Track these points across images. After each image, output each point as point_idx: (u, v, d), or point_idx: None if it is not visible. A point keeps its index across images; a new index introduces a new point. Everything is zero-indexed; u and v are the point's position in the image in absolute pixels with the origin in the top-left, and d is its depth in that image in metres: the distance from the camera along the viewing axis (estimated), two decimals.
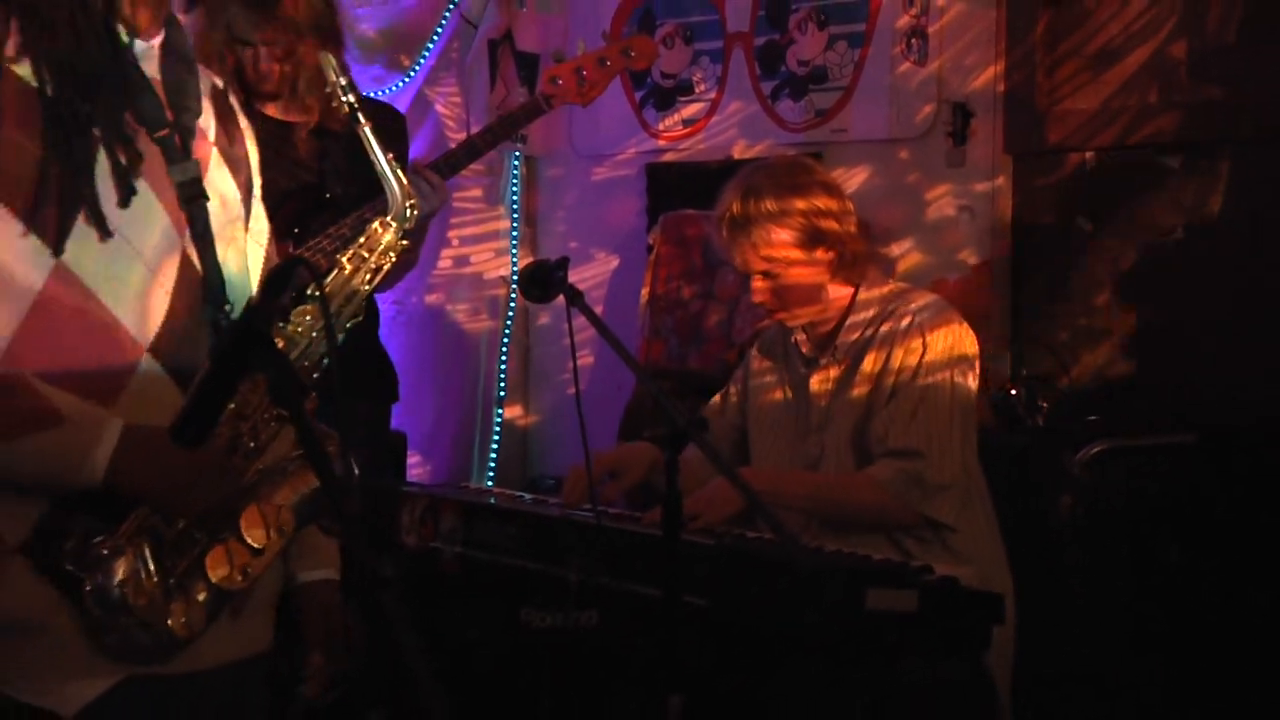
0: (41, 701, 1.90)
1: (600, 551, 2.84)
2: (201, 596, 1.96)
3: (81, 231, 1.89)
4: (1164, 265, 4.22)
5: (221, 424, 1.94)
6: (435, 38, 5.15)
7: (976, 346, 3.18)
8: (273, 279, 1.74)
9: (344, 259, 2.17)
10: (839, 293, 3.22)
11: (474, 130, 4.49)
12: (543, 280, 2.77)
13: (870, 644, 2.51)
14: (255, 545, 2.00)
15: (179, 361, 1.97)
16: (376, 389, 3.94)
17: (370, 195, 3.52)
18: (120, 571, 1.87)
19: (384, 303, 4.60)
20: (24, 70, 1.88)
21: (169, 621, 1.92)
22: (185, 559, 1.95)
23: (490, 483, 5.22)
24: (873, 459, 3.09)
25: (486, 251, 5.42)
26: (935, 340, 3.10)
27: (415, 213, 2.24)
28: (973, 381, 3.14)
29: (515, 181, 5.37)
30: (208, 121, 2.11)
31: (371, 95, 4.42)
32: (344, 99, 2.27)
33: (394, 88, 5.02)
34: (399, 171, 2.25)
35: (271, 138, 3.61)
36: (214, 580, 1.96)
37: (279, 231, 3.61)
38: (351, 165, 3.54)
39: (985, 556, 3.11)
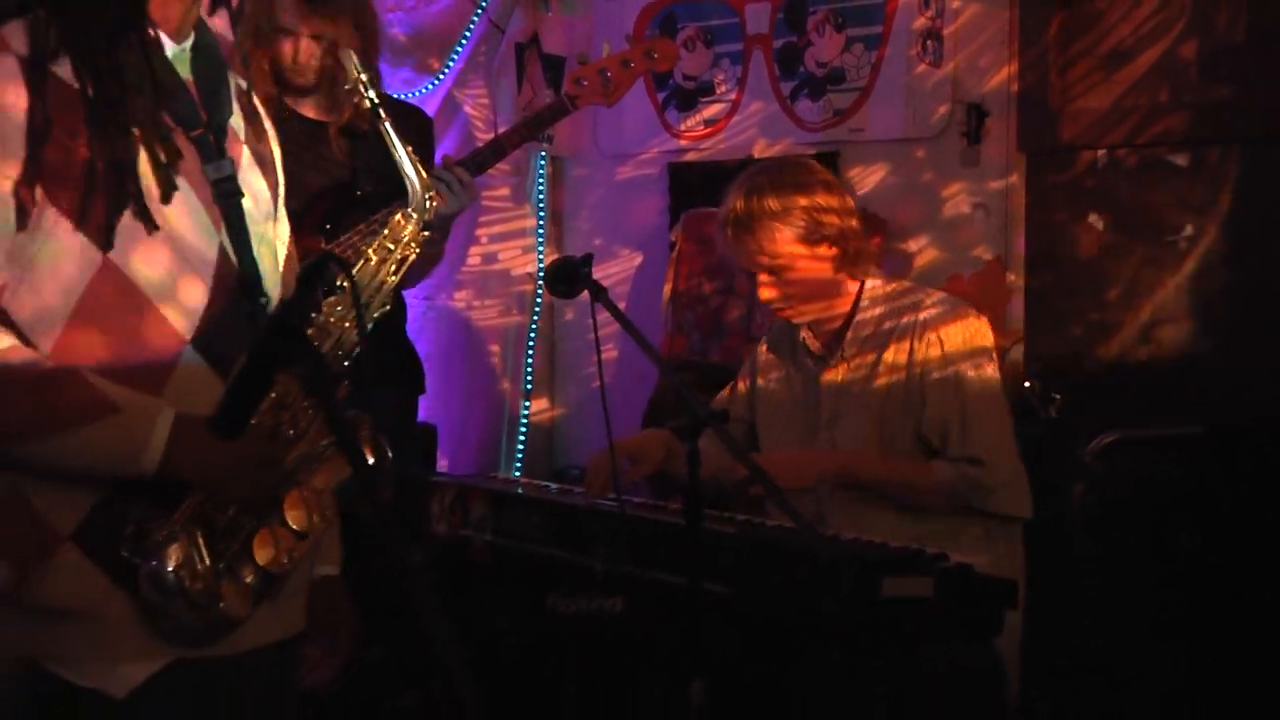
0: (93, 683, 1.91)
1: (624, 540, 2.84)
2: (250, 579, 1.97)
3: (127, 228, 1.90)
4: (1173, 261, 4.21)
5: (263, 413, 1.95)
6: (464, 41, 5.14)
7: (993, 337, 3.18)
8: (306, 274, 1.74)
9: (369, 250, 2.18)
10: (844, 289, 3.21)
11: (501, 131, 4.48)
12: (568, 276, 2.77)
13: (886, 630, 2.50)
14: (299, 529, 2.02)
15: (219, 353, 1.98)
16: (403, 379, 3.94)
17: (401, 193, 3.53)
18: (175, 557, 1.88)
19: (414, 298, 4.61)
20: (65, 73, 1.89)
21: (221, 604, 1.93)
22: (234, 543, 1.96)
23: (517, 473, 5.22)
24: (900, 449, 3.10)
25: (514, 249, 5.42)
26: (955, 333, 3.10)
27: (434, 205, 2.24)
28: (994, 371, 3.14)
29: (541, 181, 5.36)
30: (238, 122, 2.11)
31: (401, 97, 4.42)
32: (365, 94, 2.27)
33: (424, 90, 5.01)
34: (418, 165, 2.25)
35: (305, 136, 3.63)
36: (261, 563, 1.98)
37: (311, 228, 3.63)
38: (382, 163, 3.54)
39: (1001, 543, 3.11)
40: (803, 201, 3.13)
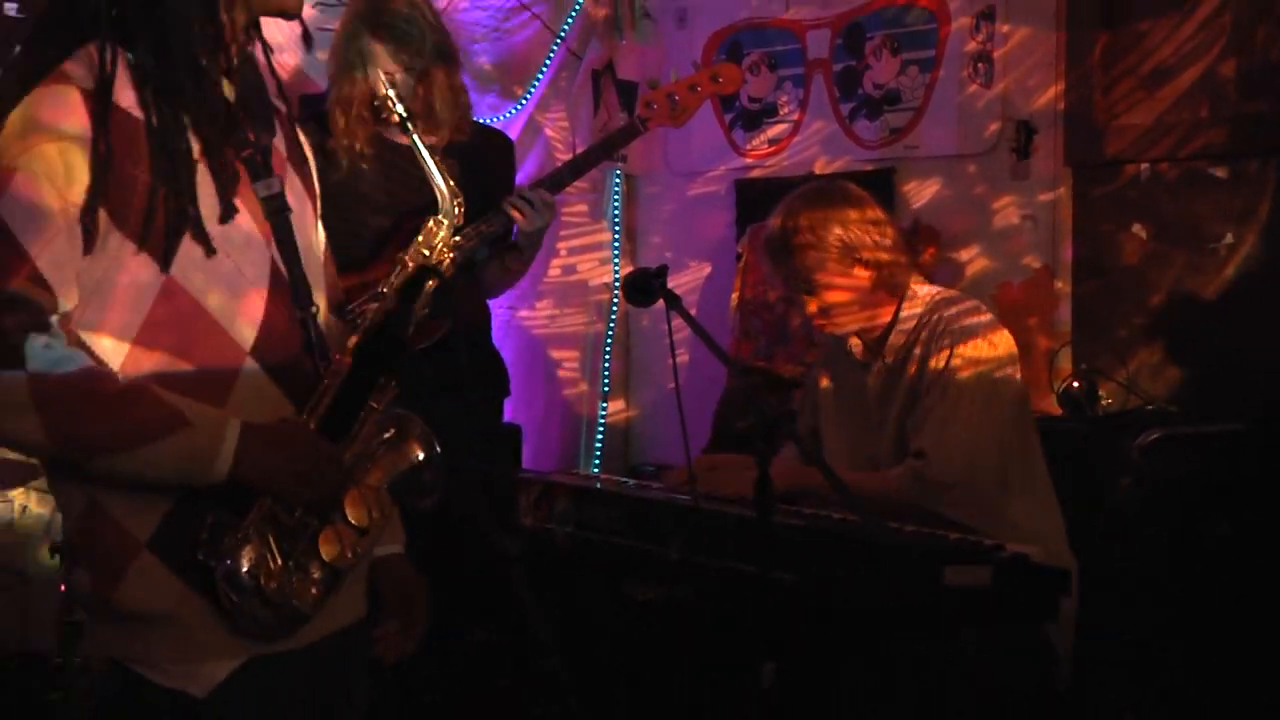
0: (176, 684, 1.92)
1: (697, 531, 2.84)
2: (317, 575, 1.98)
3: (187, 249, 1.91)
4: (1214, 267, 4.15)
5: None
6: (544, 69, 5.17)
7: (1007, 348, 3.12)
8: (406, 287, 1.74)
9: (405, 257, 2.18)
10: (885, 300, 3.18)
11: (579, 151, 4.50)
12: (644, 286, 2.78)
13: (947, 617, 2.49)
14: (360, 525, 2.02)
15: (275, 362, 1.98)
16: (490, 383, 3.96)
17: (483, 210, 3.56)
18: (249, 558, 1.89)
19: (498, 308, 4.63)
20: (128, 101, 1.90)
21: (294, 601, 1.93)
22: (301, 542, 1.96)
23: (596, 470, 5.23)
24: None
25: (591, 261, 5.44)
26: (963, 350, 3.05)
27: (462, 209, 2.25)
28: (997, 379, 3.07)
29: (617, 198, 5.38)
30: (279, 141, 2.12)
31: (486, 122, 4.44)
32: (394, 109, 2.29)
33: (508, 114, 5.05)
34: (445, 174, 2.26)
35: (400, 160, 3.65)
36: (327, 559, 1.98)
37: (402, 245, 3.66)
38: (467, 183, 3.57)
39: (1047, 534, 3.07)
40: (836, 230, 3.11)
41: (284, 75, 4.09)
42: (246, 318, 1.96)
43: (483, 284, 3.84)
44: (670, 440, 3.23)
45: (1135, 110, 4.31)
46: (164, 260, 1.90)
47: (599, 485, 3.50)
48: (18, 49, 1.96)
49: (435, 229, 2.19)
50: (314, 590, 1.97)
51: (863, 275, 3.13)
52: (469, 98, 3.75)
